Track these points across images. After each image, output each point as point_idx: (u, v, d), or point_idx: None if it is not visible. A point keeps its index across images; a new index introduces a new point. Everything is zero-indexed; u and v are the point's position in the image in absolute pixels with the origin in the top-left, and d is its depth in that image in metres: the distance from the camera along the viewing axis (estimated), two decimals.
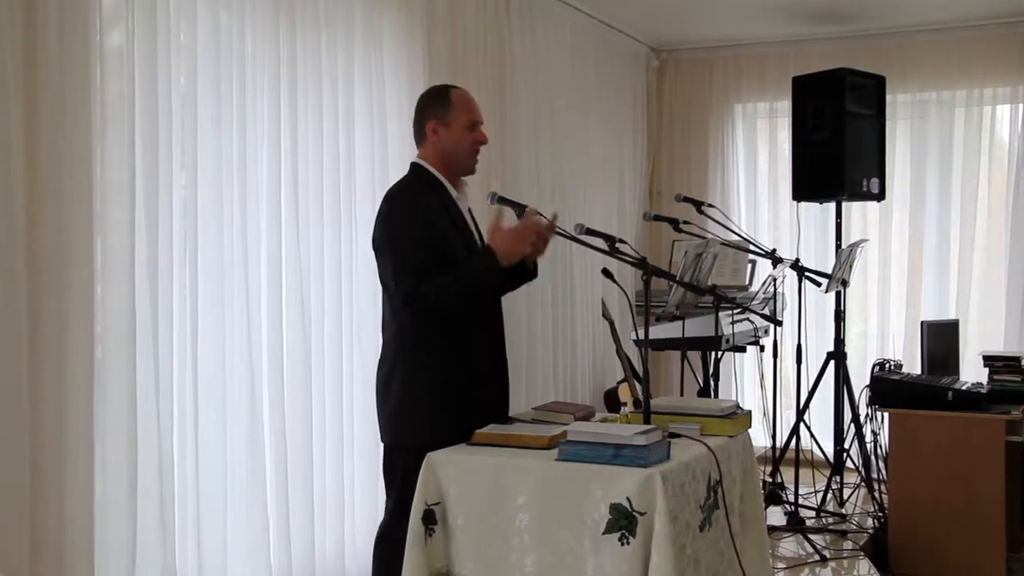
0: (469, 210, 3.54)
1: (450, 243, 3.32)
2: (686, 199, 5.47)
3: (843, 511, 5.53)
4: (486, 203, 3.69)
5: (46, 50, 3.02)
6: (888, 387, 5.05)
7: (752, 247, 5.53)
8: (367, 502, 4.36)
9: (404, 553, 3.02)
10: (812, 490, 5.70)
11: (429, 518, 3.02)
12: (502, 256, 3.26)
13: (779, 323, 4.95)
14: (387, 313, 3.43)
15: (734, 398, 5.72)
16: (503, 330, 3.55)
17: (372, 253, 3.44)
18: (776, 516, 5.26)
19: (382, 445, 3.46)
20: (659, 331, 5.36)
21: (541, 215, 3.41)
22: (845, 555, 4.87)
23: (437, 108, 3.43)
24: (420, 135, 3.46)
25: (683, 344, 5.13)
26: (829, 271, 5.57)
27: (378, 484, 3.75)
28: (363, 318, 4.34)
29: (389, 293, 3.35)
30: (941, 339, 5.56)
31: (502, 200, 3.55)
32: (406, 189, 3.41)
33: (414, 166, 3.47)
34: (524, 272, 3.46)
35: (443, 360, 3.32)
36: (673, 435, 3.19)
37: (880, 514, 5.24)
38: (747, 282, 6.31)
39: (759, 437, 4.96)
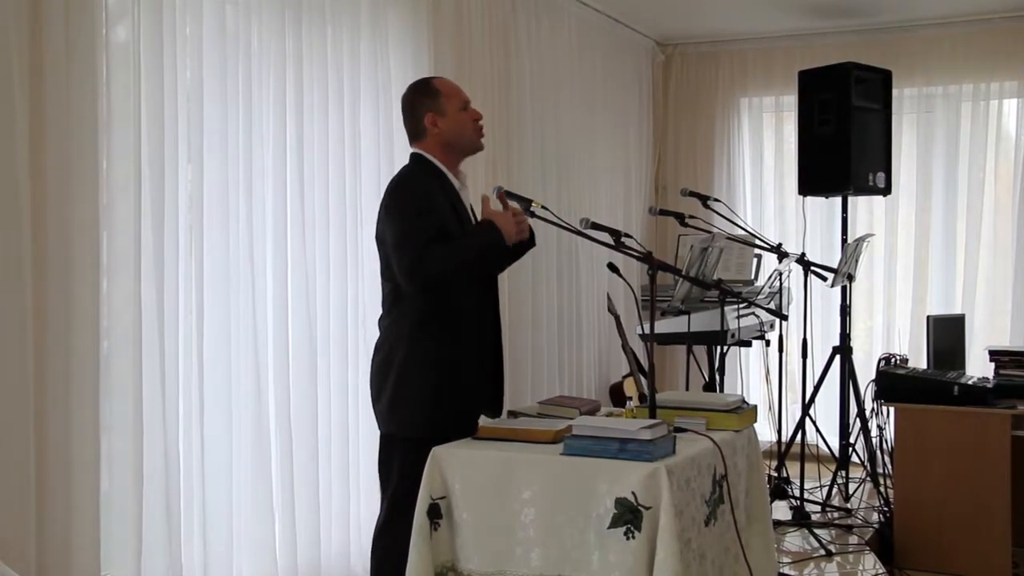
0: (471, 207, 3.54)
1: (450, 231, 3.32)
2: (692, 193, 5.48)
3: (848, 506, 5.53)
4: (492, 197, 3.69)
5: (52, 45, 3.02)
6: (894, 382, 5.05)
7: (758, 241, 5.53)
8: (372, 499, 4.35)
9: (404, 549, 3.03)
10: (817, 485, 5.69)
11: (434, 512, 3.02)
12: (505, 231, 3.28)
13: (785, 318, 4.94)
14: (384, 305, 3.43)
15: (739, 393, 5.71)
16: (499, 316, 3.55)
17: (377, 247, 3.43)
18: (781, 511, 5.26)
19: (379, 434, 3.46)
20: (664, 325, 5.36)
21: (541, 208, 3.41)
22: (850, 550, 4.86)
23: (428, 100, 3.43)
24: (418, 131, 3.45)
25: (688, 339, 5.14)
26: (835, 266, 5.57)
27: None
28: (368, 312, 4.33)
29: (392, 270, 3.29)
30: (947, 334, 5.54)
31: (508, 195, 3.55)
32: (409, 177, 3.41)
33: (415, 155, 3.47)
34: (523, 243, 3.46)
35: (442, 347, 3.32)
36: (678, 430, 3.19)
37: (885, 509, 5.23)
38: (753, 276, 6.31)
39: (764, 432, 4.97)
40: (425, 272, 3.20)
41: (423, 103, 3.43)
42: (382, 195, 3.44)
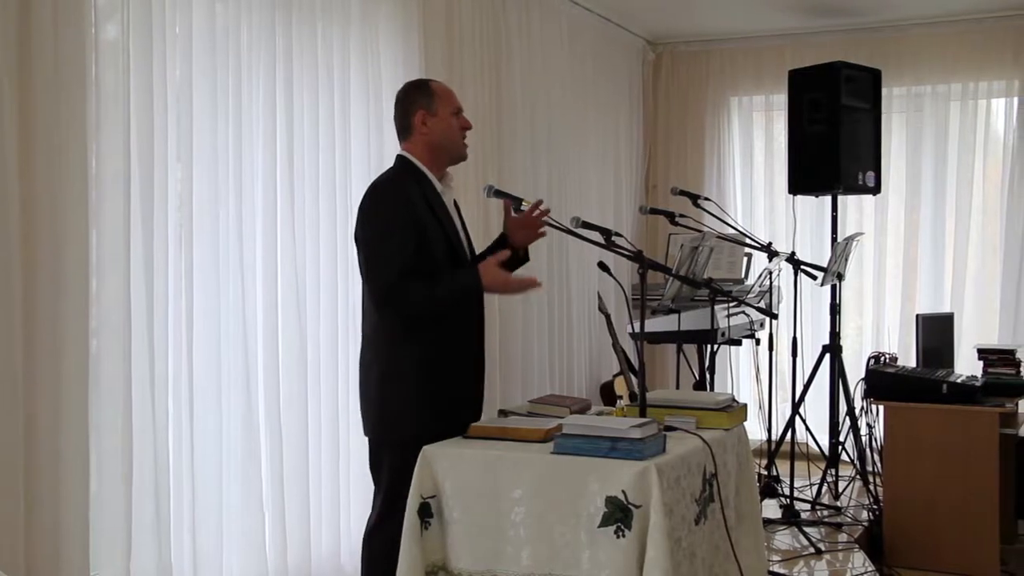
0: (455, 202, 3.53)
1: (430, 237, 3.31)
2: (682, 192, 5.48)
3: (838, 504, 5.54)
4: (482, 195, 3.69)
5: (41, 42, 3.01)
6: (883, 380, 5.06)
7: (748, 240, 5.54)
8: (363, 497, 4.35)
9: (394, 549, 3.03)
10: (807, 483, 5.71)
11: (425, 511, 3.02)
12: (487, 287, 3.33)
13: (775, 316, 4.96)
14: (368, 304, 3.41)
15: (730, 391, 5.72)
16: (484, 321, 3.55)
17: (356, 248, 3.42)
18: (771, 509, 5.27)
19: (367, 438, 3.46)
20: (655, 324, 5.36)
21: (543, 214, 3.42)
22: (840, 548, 4.88)
23: (422, 99, 3.43)
24: (407, 128, 3.45)
25: (679, 337, 5.14)
26: (825, 264, 5.58)
27: None
28: (359, 311, 4.32)
29: (368, 285, 3.33)
30: (936, 332, 5.56)
31: (498, 193, 3.55)
32: (389, 181, 3.40)
33: (400, 158, 3.47)
34: (516, 259, 3.50)
35: (426, 352, 3.31)
36: (669, 428, 3.19)
37: (875, 507, 5.24)
38: (743, 275, 6.31)
39: (755, 430, 4.99)
40: (397, 301, 3.23)
41: (416, 100, 3.44)
42: None
